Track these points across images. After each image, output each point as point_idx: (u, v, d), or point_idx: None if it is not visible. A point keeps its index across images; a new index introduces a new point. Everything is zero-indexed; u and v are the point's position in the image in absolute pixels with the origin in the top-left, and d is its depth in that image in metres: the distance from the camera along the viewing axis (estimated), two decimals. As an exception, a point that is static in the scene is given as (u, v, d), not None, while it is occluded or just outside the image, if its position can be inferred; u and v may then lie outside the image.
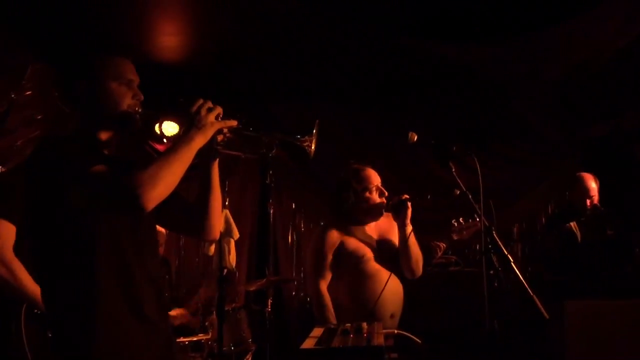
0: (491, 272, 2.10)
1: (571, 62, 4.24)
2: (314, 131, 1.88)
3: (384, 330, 2.25)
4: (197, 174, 1.94)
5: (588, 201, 3.89)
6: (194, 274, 5.01)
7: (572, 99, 4.70)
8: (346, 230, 2.97)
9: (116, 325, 1.72)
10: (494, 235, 2.14)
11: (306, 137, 1.88)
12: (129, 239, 1.80)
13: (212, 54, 4.35)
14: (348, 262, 2.92)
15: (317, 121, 1.92)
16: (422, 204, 3.54)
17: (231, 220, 3.94)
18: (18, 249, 2.59)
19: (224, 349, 3.76)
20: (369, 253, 2.94)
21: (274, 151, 1.88)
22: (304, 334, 4.56)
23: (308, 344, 2.08)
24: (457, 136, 4.32)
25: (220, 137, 1.84)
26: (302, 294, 5.13)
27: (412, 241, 2.97)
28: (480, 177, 2.17)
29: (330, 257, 2.92)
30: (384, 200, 2.99)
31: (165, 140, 4.74)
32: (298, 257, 5.25)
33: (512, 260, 2.11)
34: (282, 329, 4.79)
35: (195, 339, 4.04)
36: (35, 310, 2.62)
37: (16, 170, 2.75)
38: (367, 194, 2.97)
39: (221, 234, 3.81)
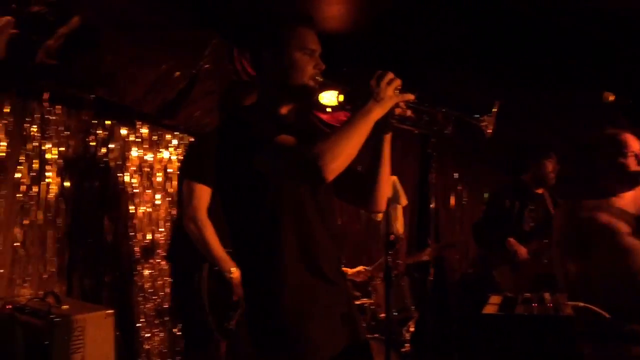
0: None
1: None
2: (494, 111, 1.79)
3: (570, 302, 2.13)
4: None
5: None
6: (355, 239, 5.12)
7: None
8: (595, 204, 2.69)
9: (301, 286, 1.79)
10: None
11: (485, 117, 1.77)
12: (311, 205, 1.85)
13: (375, 22, 4.33)
14: (600, 238, 2.61)
15: (498, 103, 1.81)
16: None
17: (399, 186, 3.95)
18: (211, 211, 2.82)
19: (384, 314, 3.82)
20: (624, 227, 2.61)
21: (449, 129, 1.82)
22: (464, 305, 4.49)
23: (489, 309, 2.04)
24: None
25: (397, 111, 1.80)
26: (463, 266, 5.05)
27: None
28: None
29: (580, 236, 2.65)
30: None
31: (328, 109, 4.88)
32: (460, 227, 5.16)
33: None
34: (442, 299, 4.76)
35: (358, 302, 4.15)
36: (215, 268, 2.84)
37: (207, 136, 2.97)
38: (622, 160, 2.66)
39: (389, 200, 3.83)
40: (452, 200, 5.21)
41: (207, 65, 4.13)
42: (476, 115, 1.79)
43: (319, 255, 1.84)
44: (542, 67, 4.30)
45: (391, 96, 1.73)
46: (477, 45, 4.27)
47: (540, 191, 4.07)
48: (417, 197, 5.04)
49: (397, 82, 1.75)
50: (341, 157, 1.64)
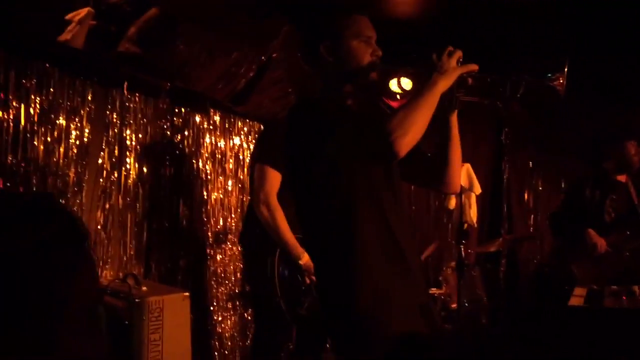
0: None
1: None
2: (565, 68, 1.72)
3: (662, 296, 2.02)
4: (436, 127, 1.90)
5: None
6: (425, 227, 5.04)
7: None
8: None
9: (378, 269, 1.77)
10: None
11: (557, 75, 1.72)
12: (385, 189, 1.83)
13: (445, 7, 4.23)
14: None
15: (568, 59, 1.75)
16: None
17: (472, 174, 3.86)
18: (281, 196, 2.84)
19: (456, 305, 3.75)
20: None
21: (521, 91, 1.76)
22: (538, 297, 4.33)
23: (575, 301, 1.96)
24: None
25: (467, 81, 1.78)
26: (538, 257, 4.88)
27: None
28: None
29: None
30: None
31: (398, 97, 4.83)
32: (534, 218, 4.99)
33: None
34: (515, 291, 4.62)
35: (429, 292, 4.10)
36: (287, 255, 2.85)
37: (278, 122, 2.98)
38: None
39: (462, 188, 3.75)
40: (527, 190, 5.03)
41: (275, 54, 4.15)
42: (548, 75, 1.74)
43: (399, 240, 1.81)
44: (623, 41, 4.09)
45: (454, 67, 1.72)
46: (552, 23, 4.10)
47: (622, 179, 3.86)
48: (490, 186, 4.91)
49: (459, 53, 1.73)
50: (411, 131, 1.62)
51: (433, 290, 4.16)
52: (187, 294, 2.83)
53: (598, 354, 1.85)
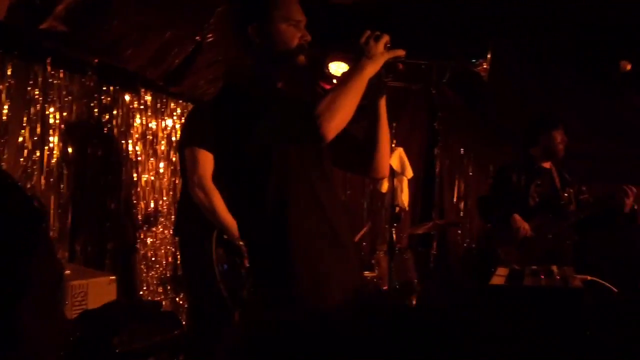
0: None
1: None
2: (488, 55, 1.77)
3: (578, 275, 2.12)
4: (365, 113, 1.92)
5: None
6: (360, 210, 5.10)
7: None
8: None
9: (314, 250, 1.78)
10: None
11: (480, 61, 1.77)
12: (317, 172, 1.84)
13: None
14: None
15: (492, 43, 1.80)
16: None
17: (405, 158, 3.92)
18: (215, 177, 2.79)
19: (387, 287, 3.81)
20: None
21: (446, 77, 1.81)
22: (467, 279, 4.47)
23: (497, 280, 2.02)
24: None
25: (395, 66, 1.80)
26: (467, 240, 5.03)
27: None
28: None
29: None
30: None
31: (334, 80, 4.83)
32: (465, 203, 5.13)
33: None
34: (445, 273, 4.75)
35: (360, 275, 4.14)
36: (225, 236, 2.81)
37: (207, 104, 2.93)
38: None
39: (395, 171, 3.81)
40: (458, 175, 5.16)
41: (211, 34, 4.07)
42: (472, 60, 1.78)
43: (332, 220, 1.82)
44: (550, 36, 4.24)
45: (382, 52, 1.73)
46: (480, 12, 4.20)
47: (547, 165, 4.02)
48: (423, 170, 5.00)
49: (386, 38, 1.75)
50: (338, 115, 1.64)
51: (366, 273, 4.21)
52: (113, 277, 2.76)
53: (516, 330, 1.92)
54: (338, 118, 1.64)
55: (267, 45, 1.85)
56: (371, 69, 1.71)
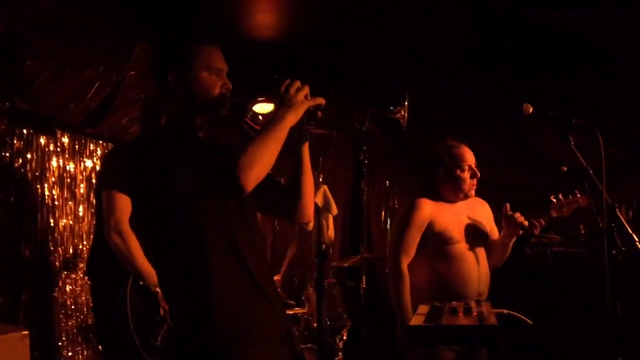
0: (613, 252, 1.97)
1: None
2: (405, 102, 1.83)
3: (494, 310, 2.18)
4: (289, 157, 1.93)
5: None
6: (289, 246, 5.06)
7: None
8: (436, 208, 2.87)
9: (235, 301, 1.77)
10: (617, 212, 2.00)
11: (398, 108, 1.84)
12: (237, 220, 1.83)
13: (308, 30, 4.33)
14: (434, 243, 2.81)
15: (408, 90, 1.87)
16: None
17: (329, 195, 3.95)
18: (132, 221, 2.71)
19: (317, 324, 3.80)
20: (457, 235, 2.83)
21: (366, 126, 1.85)
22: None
23: (416, 320, 2.05)
24: (572, 110, 4.09)
25: (316, 114, 1.83)
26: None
27: (509, 249, 2.92)
28: (602, 151, 2.04)
29: (417, 235, 2.81)
30: (475, 182, 2.89)
31: (260, 117, 4.85)
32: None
33: (637, 240, 1.98)
34: (375, 307, 4.78)
35: (291, 312, 4.12)
36: (140, 282, 2.73)
37: (126, 146, 2.87)
38: (458, 172, 2.86)
39: (320, 209, 3.83)
40: (384, 208, 5.25)
41: (132, 72, 4.00)
42: (391, 107, 1.84)
43: (254, 272, 1.81)
44: (468, 71, 4.44)
45: (302, 101, 1.74)
46: (401, 52, 4.35)
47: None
48: (350, 204, 5.06)
49: (306, 89, 1.77)
50: (258, 165, 1.64)
51: (297, 310, 4.19)
52: (25, 332, 2.60)
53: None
54: (258, 169, 1.64)
55: (188, 94, 1.84)
56: (292, 118, 1.72)
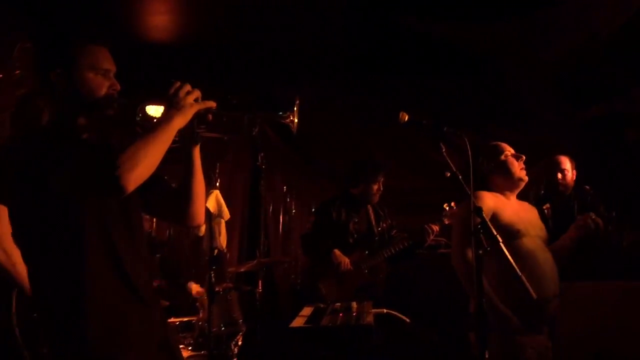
0: (480, 252, 2.09)
1: (567, 44, 4.22)
2: (295, 107, 1.87)
3: (374, 310, 2.25)
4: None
5: (559, 175, 3.95)
6: (183, 256, 4.98)
7: (569, 81, 4.67)
8: (497, 201, 2.70)
9: (109, 306, 1.72)
10: (483, 216, 2.12)
11: (288, 113, 1.86)
12: (116, 221, 1.78)
13: (203, 33, 4.30)
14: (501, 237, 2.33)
15: (298, 97, 1.91)
16: None
17: (222, 201, 3.92)
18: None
19: (214, 329, 3.75)
20: (523, 229, 2.63)
21: (256, 130, 1.87)
22: (294, 316, 4.55)
23: (297, 322, 2.08)
24: (453, 118, 4.31)
25: (206, 118, 1.82)
26: (292, 276, 5.13)
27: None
28: (470, 158, 2.16)
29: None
30: (522, 164, 2.76)
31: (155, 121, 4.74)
32: (289, 239, 5.25)
33: (501, 241, 2.10)
34: (272, 311, 4.79)
35: (185, 319, 4.04)
36: (25, 295, 2.60)
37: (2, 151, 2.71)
38: (502, 157, 2.75)
39: (212, 214, 3.79)
40: (282, 213, 5.29)
41: (17, 71, 3.81)
42: (280, 113, 1.86)
43: (131, 276, 1.76)
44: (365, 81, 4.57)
45: (191, 104, 1.73)
46: (291, 59, 4.43)
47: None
48: (248, 209, 5.05)
49: (196, 93, 1.75)
50: (140, 166, 1.60)
51: (191, 317, 4.11)
52: None
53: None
54: (140, 169, 1.60)
55: (72, 94, 1.77)
56: (179, 121, 1.69)
